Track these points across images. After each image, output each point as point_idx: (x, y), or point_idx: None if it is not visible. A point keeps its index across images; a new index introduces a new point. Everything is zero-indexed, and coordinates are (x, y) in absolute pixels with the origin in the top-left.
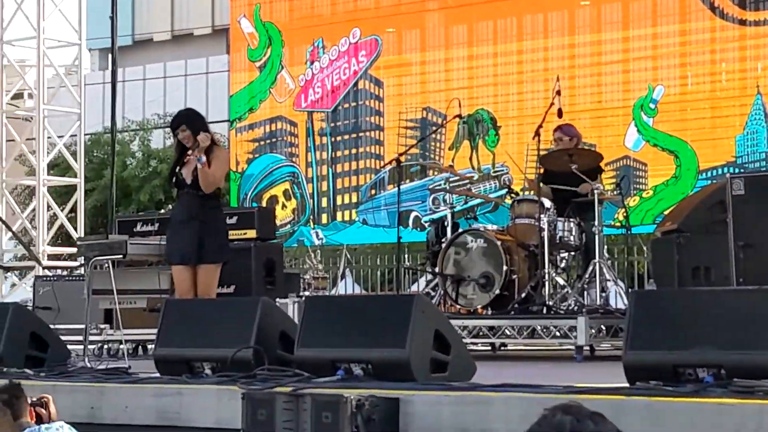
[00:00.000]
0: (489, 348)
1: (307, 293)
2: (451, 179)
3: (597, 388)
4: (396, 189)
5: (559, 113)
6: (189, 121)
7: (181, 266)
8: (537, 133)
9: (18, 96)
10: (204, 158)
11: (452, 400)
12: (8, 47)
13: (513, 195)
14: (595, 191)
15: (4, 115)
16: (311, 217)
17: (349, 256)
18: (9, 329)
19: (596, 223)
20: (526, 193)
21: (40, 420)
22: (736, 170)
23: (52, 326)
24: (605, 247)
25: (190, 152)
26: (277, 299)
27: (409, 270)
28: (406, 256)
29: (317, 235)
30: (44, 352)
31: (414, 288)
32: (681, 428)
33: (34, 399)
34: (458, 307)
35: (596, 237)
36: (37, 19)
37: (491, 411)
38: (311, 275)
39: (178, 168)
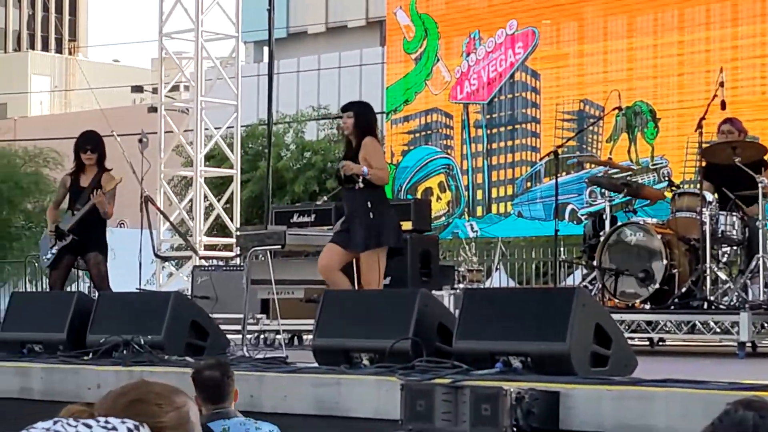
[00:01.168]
0: (647, 343)
1: (461, 286)
2: (609, 172)
3: (763, 385)
4: (552, 181)
5: (722, 105)
6: (355, 109)
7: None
8: (699, 126)
9: (174, 88)
10: (366, 170)
11: (613, 395)
12: (167, 40)
13: (674, 188)
14: (759, 185)
15: (162, 107)
16: (466, 209)
17: (503, 248)
18: (170, 317)
19: (760, 217)
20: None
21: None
22: None
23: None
24: None
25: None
26: (432, 291)
27: (564, 263)
28: (562, 249)
29: (472, 228)
30: (204, 341)
31: (569, 281)
32: None
33: None
34: (616, 301)
35: (759, 231)
36: (196, 12)
37: (653, 407)
38: (465, 268)
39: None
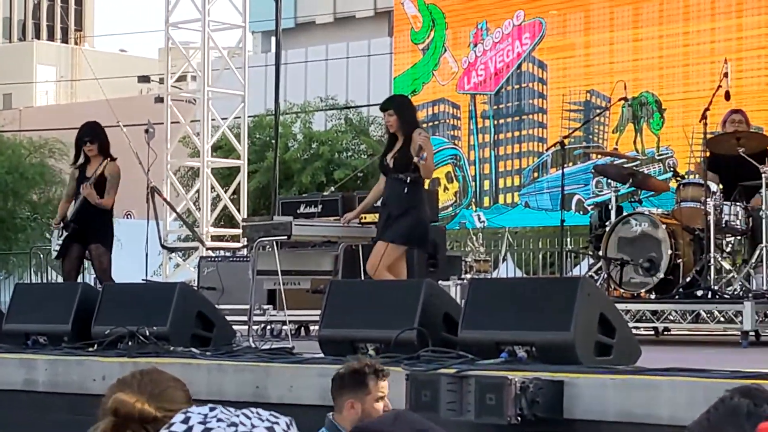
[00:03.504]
0: (652, 332)
1: (468, 276)
2: (615, 162)
3: (766, 374)
4: (559, 172)
5: (727, 96)
6: (398, 107)
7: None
8: (704, 117)
9: (181, 78)
10: (425, 155)
11: (617, 384)
12: (173, 30)
13: (678, 178)
14: (763, 175)
15: (169, 98)
16: (473, 199)
17: (510, 239)
18: (176, 308)
19: (763, 206)
20: (692, 176)
21: None
22: None
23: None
24: None
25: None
26: (439, 282)
27: (571, 253)
28: (568, 239)
29: (479, 218)
30: (210, 332)
31: (575, 272)
32: None
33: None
34: (621, 291)
35: (763, 221)
36: (203, 2)
37: (657, 395)
38: (473, 258)
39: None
